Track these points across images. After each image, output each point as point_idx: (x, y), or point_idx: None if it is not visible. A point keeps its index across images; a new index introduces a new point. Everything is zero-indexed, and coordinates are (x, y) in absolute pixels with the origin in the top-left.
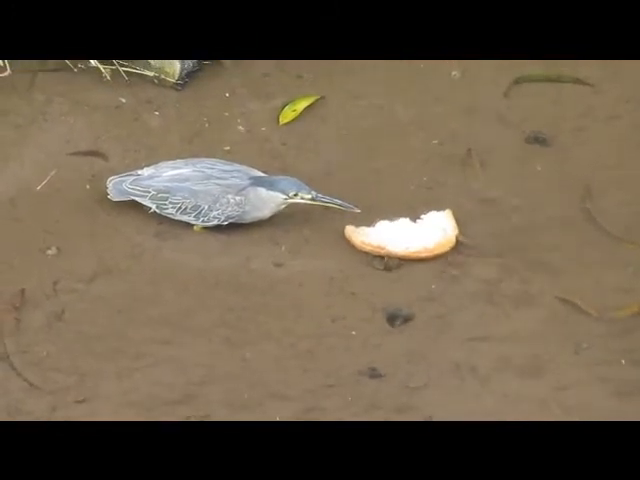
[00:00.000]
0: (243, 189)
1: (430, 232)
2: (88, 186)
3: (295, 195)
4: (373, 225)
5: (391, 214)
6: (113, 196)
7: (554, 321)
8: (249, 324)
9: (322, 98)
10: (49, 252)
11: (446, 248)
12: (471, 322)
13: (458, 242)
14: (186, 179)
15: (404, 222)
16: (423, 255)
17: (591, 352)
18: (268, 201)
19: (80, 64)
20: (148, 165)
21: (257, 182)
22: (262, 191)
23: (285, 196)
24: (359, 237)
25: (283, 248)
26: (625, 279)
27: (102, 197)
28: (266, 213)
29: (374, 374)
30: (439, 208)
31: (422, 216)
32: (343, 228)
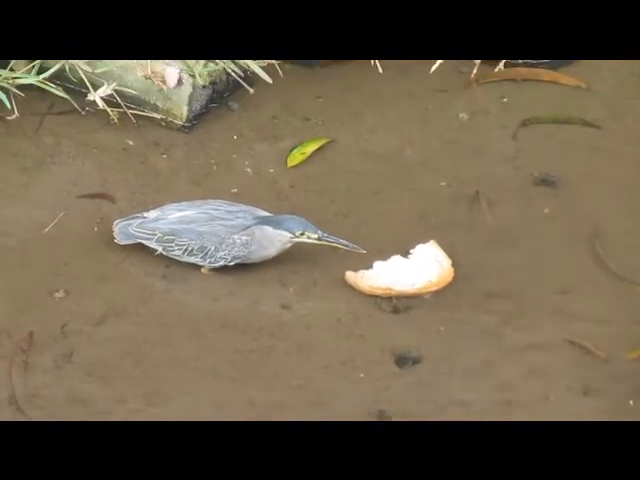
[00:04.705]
0: (249, 228)
1: (428, 266)
2: (96, 228)
3: (302, 234)
4: (371, 266)
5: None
6: (119, 239)
7: (562, 363)
8: (257, 366)
9: (332, 141)
10: (57, 294)
11: (449, 279)
12: (480, 364)
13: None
14: (192, 221)
15: (398, 259)
16: (431, 289)
17: (599, 394)
18: (274, 240)
19: (88, 107)
20: (154, 207)
21: (263, 221)
22: (268, 230)
23: (291, 235)
24: (366, 282)
25: (291, 290)
26: (634, 321)
27: (110, 239)
28: (272, 252)
29: (383, 417)
30: (427, 242)
31: (411, 251)
32: (352, 270)
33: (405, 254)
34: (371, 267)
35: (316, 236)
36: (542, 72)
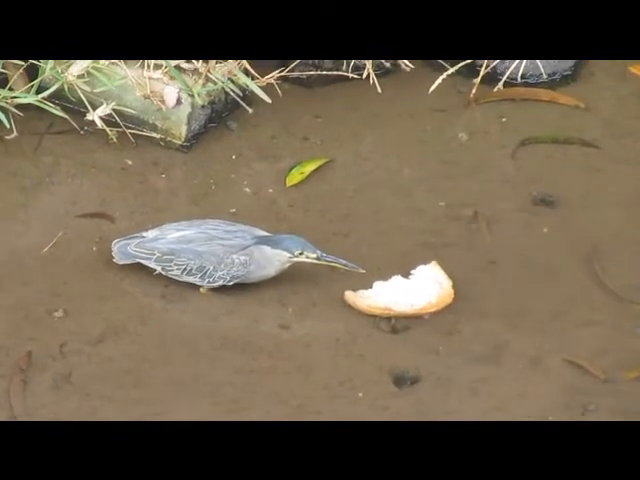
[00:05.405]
0: (247, 248)
1: (428, 287)
2: (95, 248)
3: (300, 254)
4: (371, 286)
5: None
6: (118, 259)
7: (561, 383)
8: (256, 386)
9: (331, 161)
10: (56, 314)
11: (448, 300)
12: (478, 384)
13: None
14: (190, 240)
15: (398, 280)
16: (430, 310)
17: (598, 414)
18: (273, 260)
19: (86, 126)
20: (153, 227)
21: (261, 241)
22: (267, 250)
23: (290, 254)
24: (364, 301)
25: (290, 310)
26: (633, 341)
27: (109, 259)
28: (271, 272)
29: None
30: (428, 262)
31: (412, 271)
32: (351, 290)
33: (406, 274)
34: (371, 287)
35: (315, 256)
36: (541, 92)
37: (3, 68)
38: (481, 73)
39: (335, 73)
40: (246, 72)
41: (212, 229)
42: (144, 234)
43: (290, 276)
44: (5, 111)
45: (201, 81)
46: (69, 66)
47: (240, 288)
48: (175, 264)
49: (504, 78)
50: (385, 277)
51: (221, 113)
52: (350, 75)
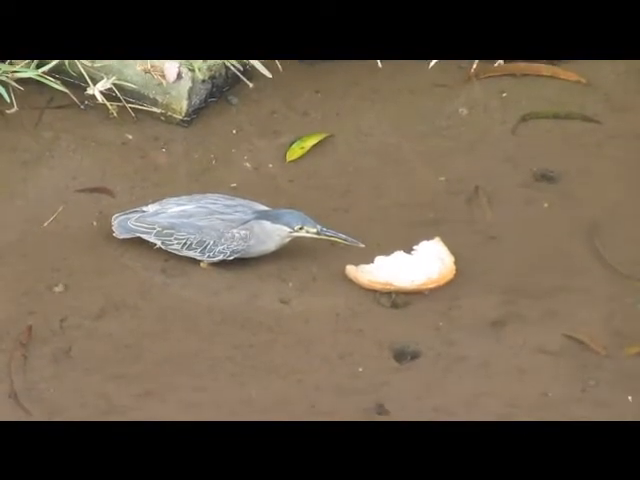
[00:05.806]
0: (247, 223)
1: (430, 262)
2: (95, 223)
3: (300, 228)
4: (372, 261)
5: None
6: (118, 233)
7: (561, 359)
8: (255, 361)
9: (331, 136)
10: (56, 289)
11: (450, 277)
12: (478, 359)
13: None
14: (190, 215)
15: (400, 255)
16: (430, 286)
17: (598, 389)
18: (273, 234)
19: (87, 101)
20: (153, 202)
21: (261, 215)
22: (267, 224)
23: (290, 229)
24: (365, 276)
25: (290, 285)
26: (633, 316)
27: (109, 234)
28: (271, 246)
29: (381, 411)
30: (431, 238)
31: (414, 247)
32: (351, 264)
33: (408, 250)
34: (372, 262)
35: (315, 230)
36: (542, 67)
37: None
38: None
39: None
40: None
41: (212, 203)
42: (144, 208)
43: (290, 251)
44: (5, 85)
45: None
46: None
47: (240, 263)
48: (175, 238)
49: None
50: (385, 252)
51: (222, 88)
52: None
